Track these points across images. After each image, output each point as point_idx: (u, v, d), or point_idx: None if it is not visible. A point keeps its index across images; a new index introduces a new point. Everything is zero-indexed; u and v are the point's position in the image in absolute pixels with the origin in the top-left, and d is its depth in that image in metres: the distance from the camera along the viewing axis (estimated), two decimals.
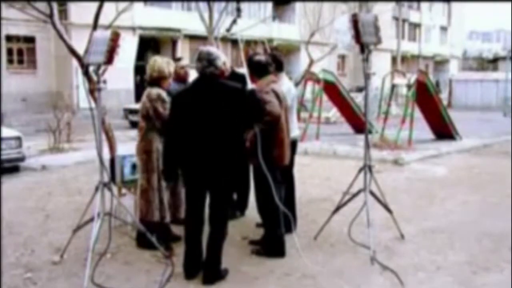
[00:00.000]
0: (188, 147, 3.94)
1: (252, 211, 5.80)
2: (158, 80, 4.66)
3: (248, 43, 24.44)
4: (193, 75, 4.57)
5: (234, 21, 5.98)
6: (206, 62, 3.91)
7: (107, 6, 7.84)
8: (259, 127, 4.14)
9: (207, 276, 4.00)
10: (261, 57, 4.68)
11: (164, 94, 4.60)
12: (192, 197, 4.06)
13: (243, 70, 5.41)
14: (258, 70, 4.57)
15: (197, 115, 3.87)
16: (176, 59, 5.70)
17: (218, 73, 3.97)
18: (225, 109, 3.84)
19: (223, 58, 5.37)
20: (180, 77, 5.42)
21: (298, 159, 5.43)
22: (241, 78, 5.30)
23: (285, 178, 4.81)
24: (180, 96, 4.09)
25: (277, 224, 4.48)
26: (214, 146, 3.86)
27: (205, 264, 4.04)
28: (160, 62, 4.71)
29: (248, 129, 4.12)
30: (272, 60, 4.80)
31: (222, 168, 3.90)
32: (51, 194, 7.10)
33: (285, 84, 5.00)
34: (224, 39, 21.05)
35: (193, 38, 28.22)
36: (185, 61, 6.06)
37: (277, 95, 4.41)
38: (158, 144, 4.58)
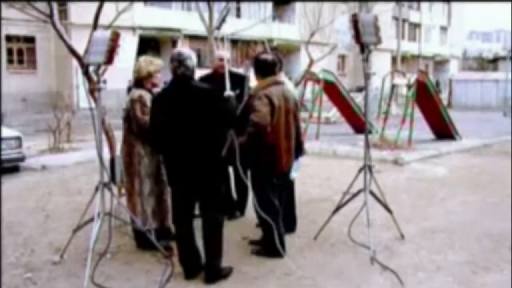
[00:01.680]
0: (167, 149, 3.97)
1: (252, 211, 5.80)
2: (140, 80, 4.60)
3: (248, 43, 24.40)
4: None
5: (223, 20, 5.89)
6: (176, 62, 3.90)
7: (107, 6, 7.83)
8: (232, 133, 4.05)
9: (208, 276, 4.00)
10: (268, 56, 4.55)
11: (147, 96, 4.50)
12: (176, 198, 4.08)
13: (238, 70, 5.38)
14: (262, 69, 4.47)
15: (170, 116, 3.87)
16: None
17: (189, 74, 3.94)
18: (196, 110, 3.83)
19: (227, 55, 5.31)
20: None
21: None
22: (239, 78, 5.25)
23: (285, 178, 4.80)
24: (156, 98, 4.12)
25: (275, 225, 4.44)
26: (189, 147, 3.84)
27: (205, 264, 4.04)
28: (139, 62, 4.63)
29: (223, 130, 4.00)
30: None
31: (200, 169, 3.88)
32: (51, 194, 7.09)
33: (287, 84, 4.97)
34: (224, 39, 21.05)
35: (193, 38, 28.24)
36: None
37: (270, 101, 4.26)
38: (139, 148, 4.51)
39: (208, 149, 3.87)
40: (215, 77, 5.23)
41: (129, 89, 20.26)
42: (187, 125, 3.83)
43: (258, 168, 4.39)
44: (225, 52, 5.30)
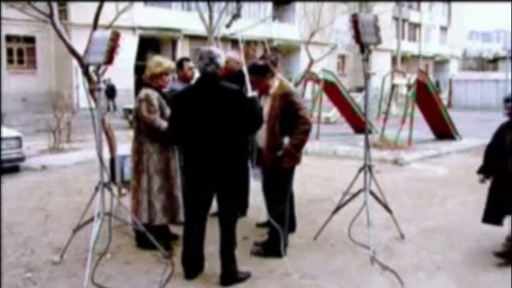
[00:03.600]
0: (189, 148, 3.95)
1: (252, 211, 5.81)
2: (149, 80, 4.65)
3: (248, 43, 24.43)
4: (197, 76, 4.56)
5: (233, 17, 5.86)
6: (207, 60, 3.86)
7: (107, 6, 7.84)
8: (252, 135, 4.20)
9: (225, 279, 3.95)
10: (265, 61, 4.72)
11: (154, 95, 4.54)
12: (194, 199, 4.02)
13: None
14: (268, 71, 4.56)
15: (197, 115, 3.84)
16: (185, 59, 5.64)
17: (219, 72, 3.93)
18: (224, 110, 3.82)
19: (236, 56, 5.35)
20: (187, 78, 5.40)
21: None
22: (239, 75, 5.28)
23: None
24: (181, 95, 4.08)
25: (283, 227, 4.49)
26: (214, 147, 3.83)
27: (222, 267, 3.98)
28: (149, 62, 4.72)
29: (250, 131, 4.09)
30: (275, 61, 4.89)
31: (224, 169, 3.87)
32: (51, 194, 7.09)
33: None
34: (224, 39, 21.04)
35: (193, 38, 28.24)
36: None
37: None
38: (148, 146, 4.55)
39: (233, 148, 3.85)
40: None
41: (110, 89, 20.58)
42: (214, 123, 3.79)
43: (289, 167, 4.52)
44: (240, 54, 5.35)
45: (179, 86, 4.88)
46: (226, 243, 3.97)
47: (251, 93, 4.13)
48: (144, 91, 4.59)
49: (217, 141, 3.82)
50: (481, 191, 7.18)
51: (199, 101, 3.86)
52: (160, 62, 4.70)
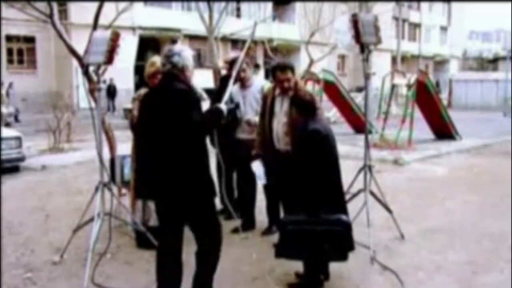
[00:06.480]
0: (145, 153, 3.45)
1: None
2: (147, 80, 4.69)
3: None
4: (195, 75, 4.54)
5: (252, 39, 5.66)
6: (164, 59, 3.41)
7: (107, 6, 7.85)
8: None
9: None
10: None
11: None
12: (160, 217, 3.48)
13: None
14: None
15: (151, 118, 3.35)
16: None
17: (176, 72, 3.35)
18: (171, 112, 3.24)
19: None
20: None
21: None
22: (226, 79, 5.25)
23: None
24: (143, 97, 3.70)
25: None
26: (162, 150, 3.27)
27: None
28: (147, 63, 4.78)
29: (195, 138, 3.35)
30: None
31: (173, 178, 3.26)
32: (51, 194, 7.09)
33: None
34: (224, 39, 21.05)
35: (193, 38, 28.26)
36: None
37: None
38: None
39: (181, 152, 3.24)
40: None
41: (112, 89, 20.80)
42: (164, 128, 3.25)
43: None
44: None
45: None
46: (200, 279, 3.46)
47: (221, 105, 3.47)
48: (139, 91, 4.66)
49: (164, 143, 3.26)
50: (481, 191, 7.22)
51: (153, 102, 3.40)
52: (153, 61, 4.69)
